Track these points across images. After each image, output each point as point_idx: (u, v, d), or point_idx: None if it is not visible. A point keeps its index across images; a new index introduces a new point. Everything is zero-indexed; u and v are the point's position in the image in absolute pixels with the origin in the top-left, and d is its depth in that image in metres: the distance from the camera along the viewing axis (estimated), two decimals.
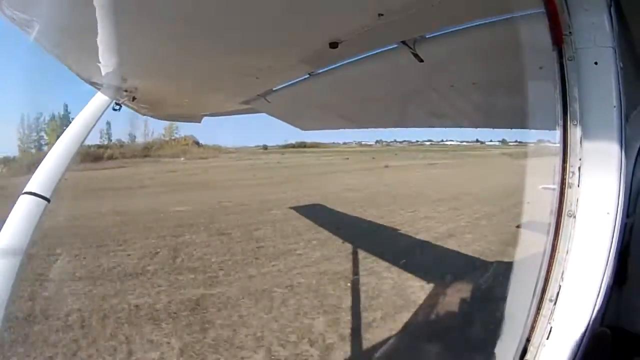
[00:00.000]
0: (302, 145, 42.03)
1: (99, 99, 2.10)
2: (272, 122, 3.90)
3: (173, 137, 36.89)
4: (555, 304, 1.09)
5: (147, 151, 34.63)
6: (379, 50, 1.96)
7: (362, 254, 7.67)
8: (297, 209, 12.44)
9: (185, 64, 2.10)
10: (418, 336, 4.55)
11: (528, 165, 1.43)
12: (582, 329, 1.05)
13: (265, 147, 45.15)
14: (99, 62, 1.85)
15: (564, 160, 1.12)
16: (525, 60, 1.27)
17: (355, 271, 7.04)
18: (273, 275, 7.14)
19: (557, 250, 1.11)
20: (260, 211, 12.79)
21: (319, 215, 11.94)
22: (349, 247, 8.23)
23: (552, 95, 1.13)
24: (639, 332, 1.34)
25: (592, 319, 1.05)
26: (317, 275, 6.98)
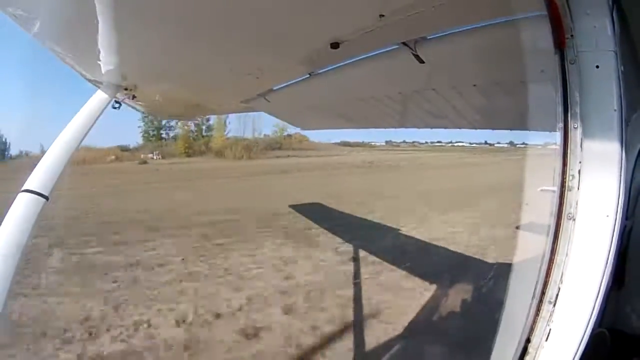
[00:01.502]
0: (347, 144, 40.37)
1: (99, 97, 2.09)
2: None
3: (286, 134, 37.38)
4: (554, 305, 1.09)
5: (280, 145, 35.76)
6: (380, 51, 1.96)
7: None
8: None
9: (185, 63, 2.10)
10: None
11: (531, 166, 1.44)
12: (581, 331, 1.05)
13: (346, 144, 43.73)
14: (99, 60, 1.84)
15: (564, 163, 1.13)
16: (526, 62, 1.28)
17: None
18: None
19: (556, 253, 1.12)
20: None
21: None
22: None
23: (553, 98, 1.13)
24: (637, 334, 1.35)
25: (591, 321, 1.05)
26: None
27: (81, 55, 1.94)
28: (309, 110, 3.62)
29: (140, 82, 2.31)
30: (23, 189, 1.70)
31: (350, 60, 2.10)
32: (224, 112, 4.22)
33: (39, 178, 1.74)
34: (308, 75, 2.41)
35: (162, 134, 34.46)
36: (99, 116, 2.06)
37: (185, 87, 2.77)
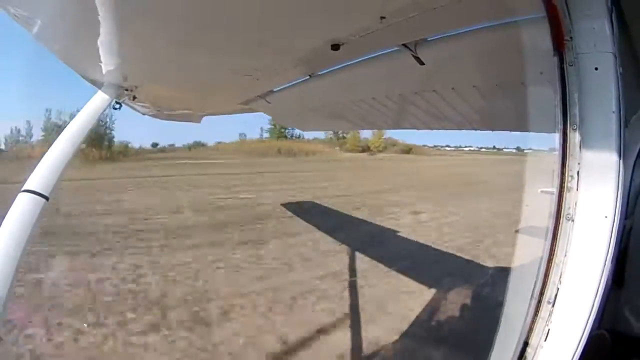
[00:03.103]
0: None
1: (100, 98, 2.09)
2: None
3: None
4: (553, 306, 1.09)
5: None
6: (380, 53, 1.97)
7: None
8: None
9: (185, 64, 2.09)
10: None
11: (531, 168, 1.44)
12: (580, 332, 1.05)
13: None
14: (100, 61, 1.84)
15: (563, 164, 1.13)
16: (526, 64, 1.28)
17: None
18: None
19: (555, 254, 1.12)
20: None
21: None
22: None
23: (552, 99, 1.14)
24: (636, 335, 1.35)
25: (589, 321, 1.05)
26: None
27: (82, 56, 1.94)
28: (309, 112, 3.62)
29: (141, 83, 2.31)
30: (23, 189, 1.69)
31: (351, 62, 2.11)
32: (224, 114, 4.22)
33: (39, 178, 1.73)
34: (308, 77, 2.42)
35: (284, 131, 36.56)
36: (99, 117, 2.06)
37: (185, 88, 2.77)
